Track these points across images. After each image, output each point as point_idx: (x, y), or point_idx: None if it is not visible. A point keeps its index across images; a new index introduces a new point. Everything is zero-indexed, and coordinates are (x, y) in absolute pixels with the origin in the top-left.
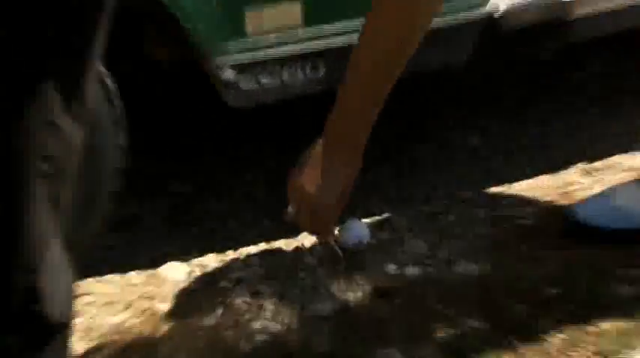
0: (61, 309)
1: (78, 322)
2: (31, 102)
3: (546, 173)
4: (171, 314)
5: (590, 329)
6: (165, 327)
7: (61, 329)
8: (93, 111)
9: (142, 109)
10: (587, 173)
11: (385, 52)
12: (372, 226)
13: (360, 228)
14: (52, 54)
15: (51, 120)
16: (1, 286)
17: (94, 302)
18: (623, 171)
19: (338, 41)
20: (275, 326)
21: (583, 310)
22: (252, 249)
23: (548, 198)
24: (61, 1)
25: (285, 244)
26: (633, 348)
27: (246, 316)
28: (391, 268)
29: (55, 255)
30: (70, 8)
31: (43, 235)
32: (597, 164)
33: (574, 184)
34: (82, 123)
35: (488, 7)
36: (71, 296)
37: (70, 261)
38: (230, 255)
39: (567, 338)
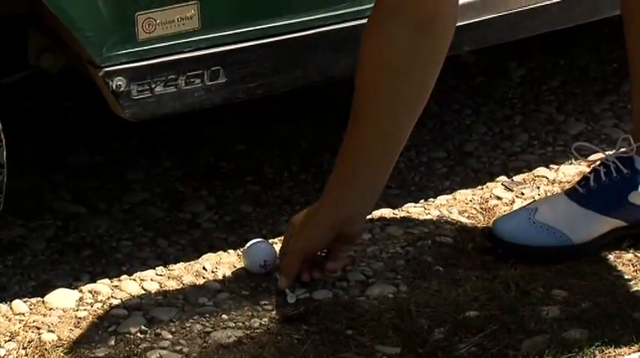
0: None
1: None
2: None
3: (465, 187)
4: (59, 346)
5: (512, 352)
6: None
7: None
8: None
9: (28, 123)
10: (509, 187)
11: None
12: (278, 246)
13: (266, 248)
14: None
15: None
16: None
17: None
18: (547, 184)
19: (239, 47)
20: (173, 357)
21: (505, 333)
22: (149, 273)
23: (468, 214)
24: None
25: (184, 267)
26: None
27: (142, 346)
28: (299, 292)
29: None
30: None
31: None
32: (520, 177)
33: (495, 199)
34: None
35: None
36: None
37: None
38: (124, 279)
39: None
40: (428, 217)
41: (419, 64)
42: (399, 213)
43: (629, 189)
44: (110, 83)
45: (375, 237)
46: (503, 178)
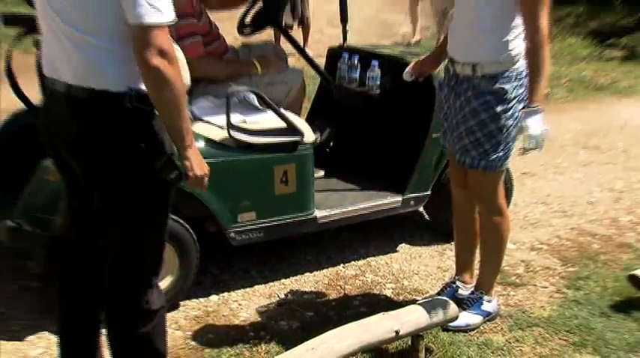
0: (159, 304)
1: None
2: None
3: (333, 267)
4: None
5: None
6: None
7: (159, 311)
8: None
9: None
10: (361, 270)
11: None
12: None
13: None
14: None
15: (153, 283)
16: (139, 294)
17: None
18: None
19: (274, 223)
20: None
21: (343, 318)
22: (236, 293)
23: (336, 282)
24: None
25: (234, 290)
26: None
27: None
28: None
29: (157, 285)
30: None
31: (152, 280)
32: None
33: (347, 277)
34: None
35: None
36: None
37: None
38: (221, 293)
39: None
40: (313, 283)
41: None
42: (308, 282)
43: None
44: (229, 235)
45: (303, 294)
46: (353, 264)
